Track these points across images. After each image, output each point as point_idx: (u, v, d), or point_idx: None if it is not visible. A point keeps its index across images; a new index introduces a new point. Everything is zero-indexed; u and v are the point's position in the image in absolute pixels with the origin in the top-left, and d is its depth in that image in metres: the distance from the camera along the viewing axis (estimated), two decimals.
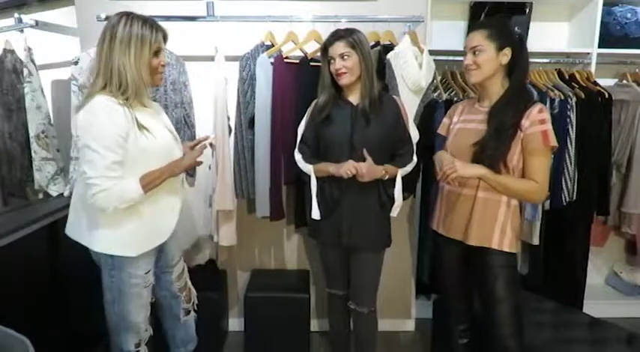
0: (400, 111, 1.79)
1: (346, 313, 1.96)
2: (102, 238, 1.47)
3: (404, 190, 1.81)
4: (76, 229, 1.55)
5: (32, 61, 2.05)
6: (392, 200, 1.79)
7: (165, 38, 1.50)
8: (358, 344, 1.96)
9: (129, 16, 1.41)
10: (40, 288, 1.82)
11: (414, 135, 1.88)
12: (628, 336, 1.78)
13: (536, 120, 1.46)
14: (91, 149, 1.34)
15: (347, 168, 1.63)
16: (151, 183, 1.45)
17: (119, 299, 1.52)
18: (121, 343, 1.58)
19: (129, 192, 1.40)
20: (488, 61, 1.53)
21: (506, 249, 1.53)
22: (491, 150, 1.49)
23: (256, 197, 2.13)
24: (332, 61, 1.72)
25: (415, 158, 1.84)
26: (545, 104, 2.18)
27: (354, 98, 1.76)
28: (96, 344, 2.17)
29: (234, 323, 2.57)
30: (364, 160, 1.66)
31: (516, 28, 1.63)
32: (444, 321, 1.89)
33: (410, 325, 2.60)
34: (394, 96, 1.87)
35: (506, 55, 1.52)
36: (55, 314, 1.87)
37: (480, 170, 1.51)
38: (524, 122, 1.47)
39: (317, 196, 1.79)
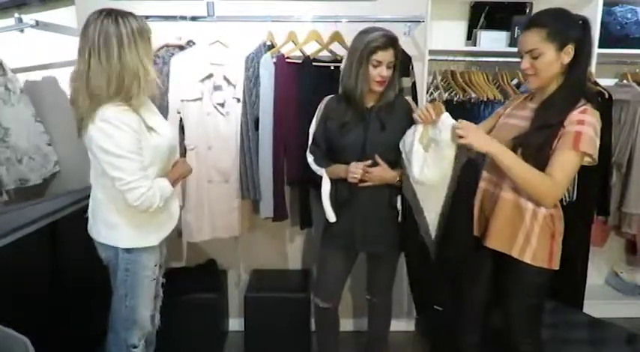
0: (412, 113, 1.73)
1: (337, 331, 1.99)
2: (124, 234, 1.52)
3: None
4: (95, 230, 1.58)
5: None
6: (395, 209, 1.73)
7: None
8: (371, 336, 2.01)
9: (112, 14, 1.33)
10: (40, 288, 1.82)
11: None
12: (628, 336, 1.78)
13: (574, 120, 1.32)
14: (117, 156, 1.36)
15: (352, 172, 1.61)
16: (175, 182, 1.56)
17: (131, 293, 1.57)
18: (127, 337, 1.62)
19: (166, 190, 1.48)
20: (549, 64, 1.35)
21: (527, 261, 1.42)
22: (535, 150, 1.35)
23: (261, 198, 2.13)
24: (378, 64, 1.60)
25: None
26: None
27: (369, 101, 1.72)
28: (96, 345, 2.17)
29: (234, 323, 2.56)
30: (376, 165, 1.65)
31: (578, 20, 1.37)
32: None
33: (410, 325, 2.60)
34: (406, 98, 1.84)
35: (569, 53, 1.34)
36: (55, 314, 1.86)
37: (493, 147, 1.37)
38: (566, 121, 1.34)
39: (330, 199, 1.73)
